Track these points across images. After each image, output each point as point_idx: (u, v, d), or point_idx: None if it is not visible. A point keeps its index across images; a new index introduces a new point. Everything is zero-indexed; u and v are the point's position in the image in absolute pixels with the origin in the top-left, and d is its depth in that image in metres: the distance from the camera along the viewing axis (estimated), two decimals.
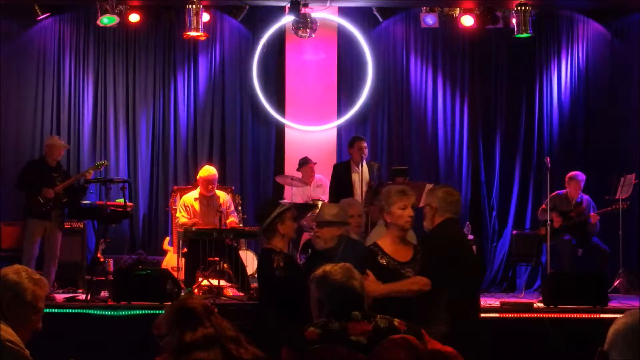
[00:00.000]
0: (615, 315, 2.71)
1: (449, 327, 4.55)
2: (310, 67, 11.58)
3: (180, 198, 9.48)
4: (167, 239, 10.07)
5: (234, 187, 10.47)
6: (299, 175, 10.54)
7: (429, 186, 9.66)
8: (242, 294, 8.55)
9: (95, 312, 7.72)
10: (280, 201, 10.59)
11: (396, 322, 3.51)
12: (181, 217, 9.16)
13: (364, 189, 9.25)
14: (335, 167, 10.15)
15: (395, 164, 11.01)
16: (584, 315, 7.88)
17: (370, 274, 4.53)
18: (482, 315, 8.06)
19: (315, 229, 5.93)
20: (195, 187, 9.58)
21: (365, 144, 9.85)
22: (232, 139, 11.59)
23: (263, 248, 5.73)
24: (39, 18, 11.17)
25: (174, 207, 9.83)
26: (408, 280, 4.72)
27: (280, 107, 11.60)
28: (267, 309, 5.53)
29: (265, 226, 5.60)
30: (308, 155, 10.92)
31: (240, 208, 9.88)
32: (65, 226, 9.61)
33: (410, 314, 4.41)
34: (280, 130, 11.67)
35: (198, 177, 9.46)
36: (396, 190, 5.02)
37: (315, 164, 10.59)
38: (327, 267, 3.63)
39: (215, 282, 8.63)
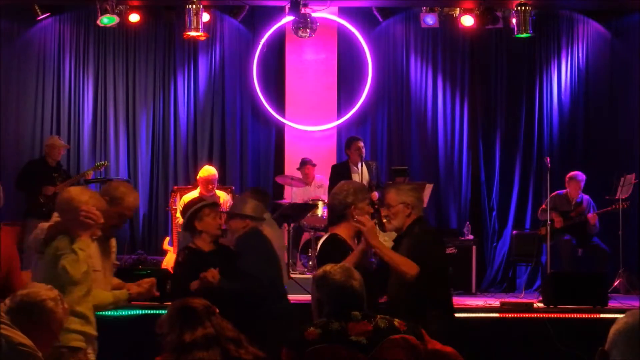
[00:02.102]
0: (615, 315, 2.71)
1: (440, 325, 4.54)
2: (310, 67, 11.58)
3: (180, 198, 9.47)
4: (167, 239, 10.06)
5: (234, 187, 10.47)
6: (299, 175, 10.55)
7: (429, 186, 9.72)
8: None
9: (95, 312, 7.70)
10: (279, 201, 10.62)
11: (396, 322, 3.51)
12: (181, 217, 9.14)
13: None
14: (334, 168, 10.14)
15: (395, 164, 11.02)
16: (584, 315, 7.88)
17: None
18: (482, 315, 8.11)
19: (226, 220, 5.78)
20: (195, 187, 9.58)
21: (362, 144, 9.85)
22: (232, 139, 11.59)
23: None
24: (39, 18, 11.16)
25: (174, 207, 9.83)
26: (403, 258, 4.61)
27: (280, 107, 11.60)
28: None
29: (183, 224, 5.56)
30: (308, 155, 10.92)
31: None
32: None
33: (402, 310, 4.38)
34: (280, 130, 11.67)
35: (198, 177, 9.46)
36: (363, 187, 5.09)
37: (314, 165, 10.60)
38: (327, 267, 3.63)
39: None
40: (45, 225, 4.42)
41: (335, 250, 4.74)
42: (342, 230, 4.89)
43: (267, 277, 5.29)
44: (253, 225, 5.51)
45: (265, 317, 5.26)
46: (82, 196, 4.31)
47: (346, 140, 10.28)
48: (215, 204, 5.65)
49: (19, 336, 3.11)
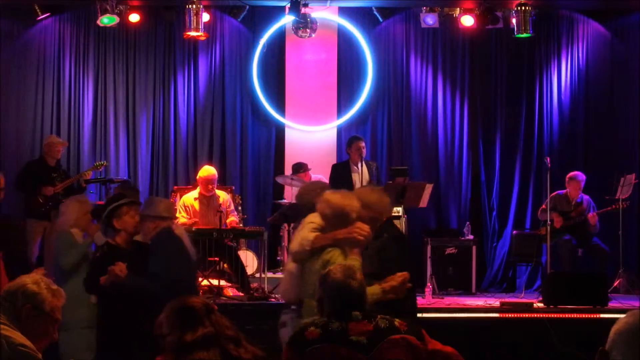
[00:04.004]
0: (615, 315, 2.71)
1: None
2: (310, 67, 11.58)
3: (180, 198, 9.48)
4: None
5: (234, 187, 10.48)
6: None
7: (429, 186, 9.72)
8: (242, 294, 8.55)
9: None
10: (279, 201, 10.63)
11: (397, 322, 3.51)
12: (181, 217, 9.16)
13: None
14: (334, 167, 10.15)
15: (395, 164, 11.02)
16: (584, 315, 7.88)
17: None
18: (482, 315, 8.12)
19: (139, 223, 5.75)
20: (195, 187, 9.58)
21: (363, 144, 9.85)
22: (232, 139, 11.58)
23: None
24: (39, 18, 11.16)
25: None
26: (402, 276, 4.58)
27: (280, 107, 11.60)
28: None
29: (102, 221, 5.58)
30: (308, 155, 10.93)
31: (240, 208, 9.89)
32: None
33: None
34: (280, 130, 11.67)
35: (198, 177, 9.46)
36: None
37: (310, 169, 10.61)
38: (331, 267, 3.64)
39: (215, 282, 8.62)
40: (99, 235, 4.47)
41: None
42: None
43: (175, 276, 5.30)
44: (164, 225, 5.50)
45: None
46: (354, 204, 4.34)
47: (348, 139, 10.29)
48: (134, 202, 5.66)
49: (19, 337, 3.11)
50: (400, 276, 4.49)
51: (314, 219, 4.53)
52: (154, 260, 5.36)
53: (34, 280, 3.27)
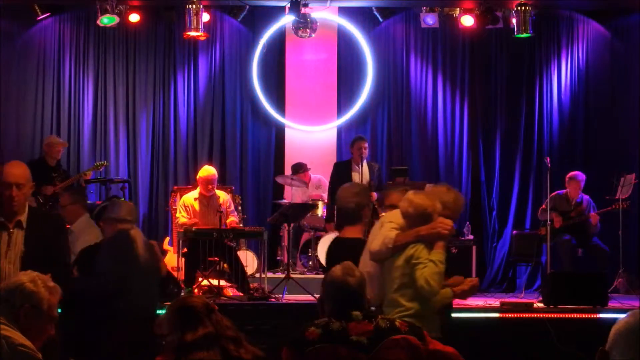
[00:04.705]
0: (615, 315, 2.71)
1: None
2: (310, 67, 11.58)
3: (180, 198, 9.47)
4: (167, 239, 10.07)
5: (234, 187, 10.47)
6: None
7: (429, 186, 9.71)
8: (242, 294, 8.55)
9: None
10: (279, 201, 10.63)
11: (397, 322, 3.52)
12: (181, 217, 9.16)
13: None
14: (336, 165, 10.17)
15: (395, 164, 11.02)
16: (584, 315, 7.88)
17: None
18: (482, 315, 8.11)
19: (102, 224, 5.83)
20: (195, 187, 9.57)
21: (365, 145, 9.85)
22: (232, 139, 11.59)
23: None
24: (39, 18, 11.16)
25: (174, 207, 9.84)
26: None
27: (280, 107, 11.60)
28: None
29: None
30: (308, 155, 10.93)
31: (240, 208, 9.89)
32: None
33: None
34: (280, 130, 11.67)
35: (197, 177, 9.45)
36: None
37: (309, 169, 10.61)
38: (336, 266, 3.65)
39: (215, 282, 8.62)
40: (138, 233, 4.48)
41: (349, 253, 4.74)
42: (354, 232, 4.90)
43: (117, 276, 5.33)
44: (121, 227, 5.54)
45: (109, 315, 5.32)
46: (437, 205, 4.42)
47: (352, 138, 10.30)
48: None
49: (19, 337, 3.11)
50: (470, 281, 4.62)
51: (392, 219, 4.59)
52: (98, 259, 5.45)
53: (30, 278, 3.26)
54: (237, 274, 8.68)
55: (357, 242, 4.90)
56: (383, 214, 5.05)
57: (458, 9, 11.14)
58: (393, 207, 4.92)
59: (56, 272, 4.27)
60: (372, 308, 4.54)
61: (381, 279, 4.54)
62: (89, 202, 10.14)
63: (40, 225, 4.68)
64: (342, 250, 4.82)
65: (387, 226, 4.53)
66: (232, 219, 9.15)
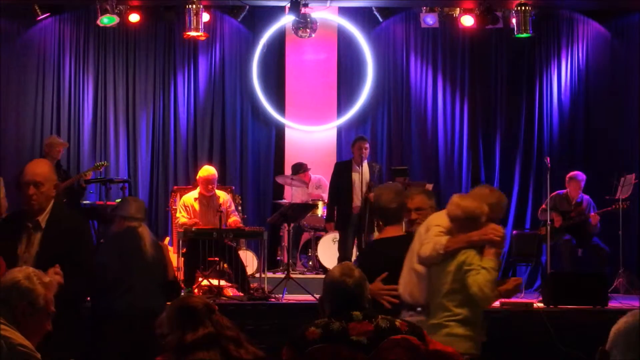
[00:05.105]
0: (615, 316, 2.71)
1: None
2: (310, 67, 11.59)
3: (180, 198, 9.47)
4: (167, 239, 10.07)
5: (234, 187, 10.47)
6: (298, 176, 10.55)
7: (429, 186, 9.71)
8: (242, 294, 8.55)
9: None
10: (279, 201, 10.63)
11: (397, 322, 3.52)
12: (181, 217, 9.15)
13: (364, 189, 9.26)
14: (337, 165, 10.17)
15: (395, 164, 11.02)
16: (583, 315, 7.87)
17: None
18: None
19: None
20: (195, 187, 9.56)
21: (366, 145, 9.84)
22: (232, 139, 11.59)
23: None
24: (39, 18, 11.16)
25: (174, 207, 9.83)
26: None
27: (280, 107, 11.60)
28: None
29: None
30: (308, 155, 10.93)
31: (240, 208, 9.88)
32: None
33: None
34: (280, 130, 11.67)
35: (198, 177, 9.45)
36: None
37: (309, 169, 10.60)
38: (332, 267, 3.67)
39: (215, 282, 8.62)
40: None
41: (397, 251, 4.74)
42: (396, 231, 4.90)
43: (116, 270, 5.36)
44: (129, 225, 5.57)
45: (109, 314, 5.33)
46: (485, 208, 4.43)
47: (354, 138, 10.30)
48: None
49: (18, 337, 3.10)
50: (514, 280, 4.63)
51: (439, 222, 4.57)
52: (103, 252, 5.54)
53: (25, 274, 3.23)
54: (237, 274, 8.67)
55: (403, 239, 4.88)
56: (415, 216, 5.04)
57: (458, 9, 11.15)
58: (419, 209, 4.92)
59: (73, 274, 4.25)
60: (418, 309, 4.57)
61: (428, 281, 4.54)
62: (88, 202, 10.19)
63: (59, 227, 4.59)
64: (390, 249, 4.78)
65: (435, 230, 4.51)
66: (235, 219, 9.13)
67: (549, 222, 9.69)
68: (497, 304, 8.34)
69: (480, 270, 4.31)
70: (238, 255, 8.89)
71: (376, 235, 5.00)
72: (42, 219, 4.57)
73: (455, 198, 4.55)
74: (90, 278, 4.83)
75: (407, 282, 4.62)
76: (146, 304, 5.36)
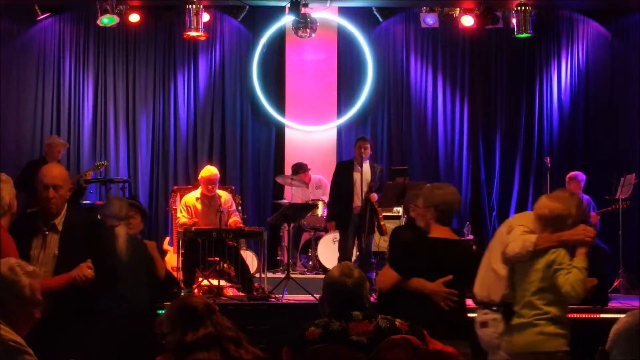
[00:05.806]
0: (615, 315, 2.71)
1: None
2: (310, 67, 11.59)
3: (181, 198, 9.46)
4: (167, 239, 10.07)
5: (234, 187, 10.47)
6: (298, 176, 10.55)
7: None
8: (242, 294, 8.55)
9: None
10: (279, 201, 10.63)
11: (397, 322, 3.51)
12: (182, 217, 9.15)
13: (364, 189, 9.26)
14: (338, 165, 10.16)
15: (395, 164, 11.01)
16: (584, 315, 7.87)
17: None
18: None
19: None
20: (195, 187, 9.56)
21: (366, 145, 9.81)
22: (232, 139, 11.59)
23: None
24: (39, 18, 11.17)
25: (174, 207, 9.83)
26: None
27: (280, 107, 11.60)
28: None
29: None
30: (308, 155, 10.92)
31: (240, 208, 9.88)
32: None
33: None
34: (280, 130, 11.67)
35: (199, 177, 9.44)
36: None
37: (309, 169, 10.60)
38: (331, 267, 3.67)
39: (215, 282, 8.62)
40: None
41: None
42: (449, 233, 4.88)
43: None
44: (111, 224, 5.63)
45: (94, 312, 5.30)
46: (572, 210, 4.49)
47: (355, 138, 10.31)
48: None
49: (10, 333, 3.09)
50: (590, 282, 4.68)
51: (522, 222, 4.62)
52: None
53: (9, 266, 3.20)
54: (239, 274, 8.67)
55: (459, 242, 4.91)
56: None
57: (458, 9, 11.15)
58: (436, 207, 4.86)
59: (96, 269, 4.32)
60: (494, 307, 4.58)
61: (511, 280, 4.56)
62: (88, 202, 10.19)
63: (76, 229, 4.63)
64: (447, 250, 4.71)
65: (519, 229, 4.54)
66: (235, 219, 9.12)
67: None
68: None
69: (572, 270, 4.38)
70: (241, 255, 8.89)
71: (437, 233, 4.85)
72: (59, 221, 4.63)
73: (542, 199, 4.61)
74: (111, 271, 4.85)
75: (485, 281, 4.66)
76: (128, 304, 5.36)
